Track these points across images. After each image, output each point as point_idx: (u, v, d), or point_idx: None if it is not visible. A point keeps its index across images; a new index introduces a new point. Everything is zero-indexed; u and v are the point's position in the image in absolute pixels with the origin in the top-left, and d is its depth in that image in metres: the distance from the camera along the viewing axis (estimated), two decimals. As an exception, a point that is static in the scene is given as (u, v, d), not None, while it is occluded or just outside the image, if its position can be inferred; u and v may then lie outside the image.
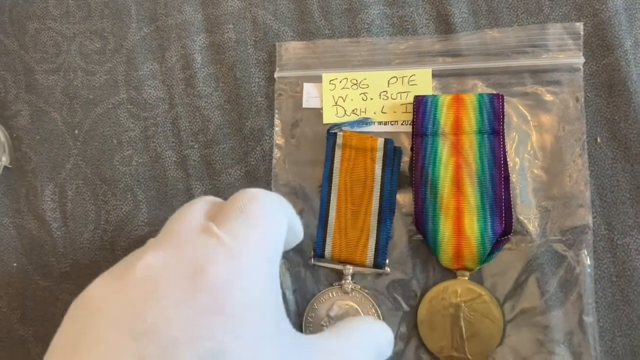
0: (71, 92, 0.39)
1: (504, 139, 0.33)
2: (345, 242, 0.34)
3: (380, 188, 0.34)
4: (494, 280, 0.33)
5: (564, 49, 0.34)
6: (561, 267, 0.32)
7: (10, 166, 0.38)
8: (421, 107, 0.34)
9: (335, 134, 0.35)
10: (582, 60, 0.33)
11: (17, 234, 0.38)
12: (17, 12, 0.40)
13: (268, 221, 0.26)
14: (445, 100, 0.34)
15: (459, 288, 0.32)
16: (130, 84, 0.38)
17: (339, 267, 0.34)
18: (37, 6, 0.40)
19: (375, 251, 0.34)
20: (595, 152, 0.33)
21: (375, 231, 0.34)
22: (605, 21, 0.34)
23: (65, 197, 0.38)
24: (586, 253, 0.32)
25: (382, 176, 0.34)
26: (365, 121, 0.35)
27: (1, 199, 0.38)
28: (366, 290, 0.34)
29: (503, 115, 0.33)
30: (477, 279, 0.33)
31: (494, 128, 0.33)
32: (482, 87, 0.34)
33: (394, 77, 0.35)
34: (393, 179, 0.34)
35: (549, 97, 0.34)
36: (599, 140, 0.33)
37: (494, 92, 0.34)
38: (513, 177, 0.33)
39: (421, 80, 0.35)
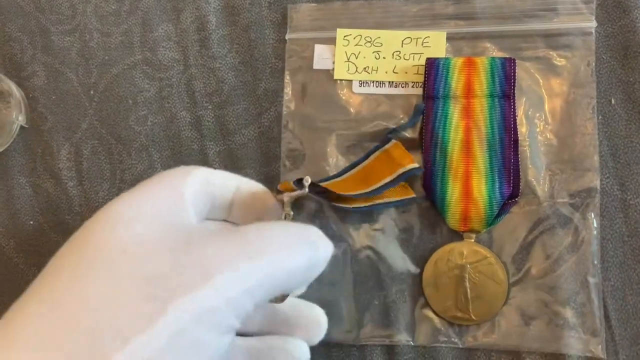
0: (87, 53, 0.39)
1: (514, 103, 0.33)
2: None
3: None
4: (501, 242, 0.33)
5: (576, 13, 0.34)
6: (568, 229, 0.32)
7: (26, 126, 0.39)
8: (433, 69, 0.34)
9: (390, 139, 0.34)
10: (594, 24, 0.33)
11: (33, 192, 0.39)
12: (33, -27, 0.40)
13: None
14: (457, 63, 0.34)
15: (465, 250, 0.33)
16: (145, 45, 0.38)
17: (279, 197, 0.30)
18: (53, -33, 0.40)
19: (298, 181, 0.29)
20: (609, 114, 0.33)
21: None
22: (621, -15, 0.34)
23: (80, 156, 0.38)
24: (593, 216, 0.32)
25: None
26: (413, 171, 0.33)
27: (18, 159, 0.39)
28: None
29: (514, 79, 0.33)
30: (485, 241, 0.33)
31: (504, 92, 0.33)
32: (494, 51, 0.35)
33: (408, 37, 0.36)
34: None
35: (560, 61, 0.34)
36: (613, 102, 0.34)
37: (506, 55, 0.34)
38: (523, 141, 0.33)
39: (435, 43, 0.35)
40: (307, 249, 0.25)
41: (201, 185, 0.26)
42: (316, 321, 0.31)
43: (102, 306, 0.21)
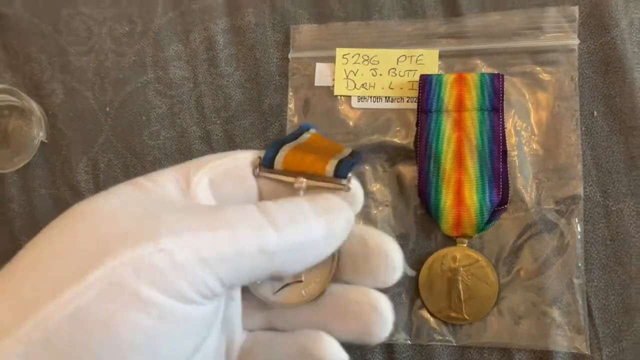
0: (102, 72, 0.42)
1: (503, 116, 0.36)
2: (303, 153, 0.27)
3: None
4: (492, 246, 0.35)
5: (560, 32, 0.36)
6: (554, 234, 0.35)
7: (46, 141, 0.42)
8: (427, 85, 0.37)
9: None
10: (576, 42, 0.36)
11: (53, 203, 0.41)
12: (51, -3, 0.43)
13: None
14: (449, 79, 0.36)
15: (458, 254, 0.35)
16: (157, 65, 0.41)
17: (289, 179, 0.26)
18: (70, -8, 0.42)
19: (340, 161, 0.26)
20: (592, 125, 0.36)
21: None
22: (603, 3, 0.36)
23: (97, 169, 0.41)
24: (577, 221, 0.34)
25: None
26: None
27: (39, 172, 0.41)
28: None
29: (503, 94, 0.36)
30: (477, 245, 0.36)
31: (494, 105, 0.36)
32: (484, 67, 0.37)
33: (403, 55, 0.38)
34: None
35: (545, 77, 0.36)
36: (595, 114, 0.36)
37: (495, 71, 0.36)
38: (512, 151, 0.36)
39: (428, 60, 0.38)
40: (296, 225, 0.23)
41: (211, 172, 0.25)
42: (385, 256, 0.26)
43: (45, 261, 0.21)
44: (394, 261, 0.25)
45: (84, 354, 0.20)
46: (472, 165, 0.35)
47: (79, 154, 0.41)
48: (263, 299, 0.26)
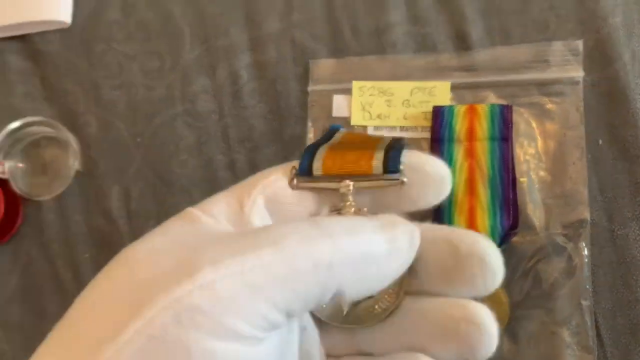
0: (133, 105, 0.44)
1: (512, 145, 0.37)
2: (342, 152, 0.25)
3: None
4: (505, 268, 0.37)
5: (566, 64, 0.38)
6: (562, 257, 0.36)
7: (81, 170, 0.44)
8: (439, 116, 0.39)
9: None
10: (581, 74, 0.38)
11: (87, 229, 0.44)
12: (86, 35, 0.46)
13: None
14: (460, 110, 0.38)
15: (471, 275, 0.37)
16: (185, 98, 0.44)
17: (332, 185, 0.24)
18: (104, 30, 0.45)
19: (386, 154, 0.24)
20: (597, 153, 0.37)
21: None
22: (606, 36, 0.38)
23: (129, 196, 0.43)
24: (584, 245, 0.36)
25: None
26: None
27: (73, 200, 0.44)
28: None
29: (512, 124, 0.37)
30: (489, 268, 0.37)
31: (503, 135, 0.37)
32: (493, 98, 0.39)
33: (416, 87, 0.40)
34: None
35: (552, 107, 0.38)
36: (600, 142, 0.38)
37: (504, 102, 0.38)
38: (521, 179, 0.38)
39: (440, 92, 0.40)
40: (353, 234, 0.21)
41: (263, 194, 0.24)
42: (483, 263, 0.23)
43: (84, 318, 0.20)
44: (492, 265, 0.23)
45: None
46: (483, 192, 0.37)
47: (111, 183, 0.44)
48: (333, 324, 0.24)
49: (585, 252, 0.36)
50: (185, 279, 0.19)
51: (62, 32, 0.46)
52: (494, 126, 0.38)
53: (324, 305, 0.23)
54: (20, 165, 0.45)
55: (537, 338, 0.36)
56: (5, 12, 0.45)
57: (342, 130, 0.28)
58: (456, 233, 0.24)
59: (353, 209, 0.24)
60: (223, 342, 0.19)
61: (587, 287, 0.36)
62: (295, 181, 0.24)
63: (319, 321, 0.25)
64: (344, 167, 0.24)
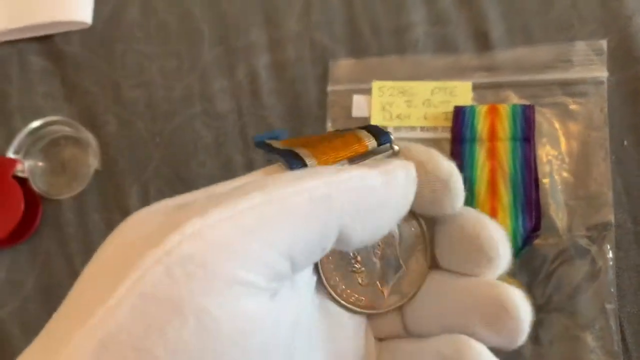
0: (153, 105, 0.44)
1: (535, 145, 0.37)
2: (324, 144, 0.24)
3: None
4: (526, 271, 0.36)
5: (589, 64, 0.37)
6: (586, 260, 0.35)
7: (100, 169, 0.44)
8: (460, 116, 0.38)
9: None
10: (605, 74, 0.37)
11: (105, 227, 0.44)
12: (106, 36, 0.46)
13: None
14: (482, 110, 0.38)
15: (493, 278, 0.36)
16: (204, 98, 0.44)
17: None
18: (124, 31, 0.46)
19: (369, 130, 0.24)
20: (622, 154, 0.37)
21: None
22: (631, 36, 0.37)
23: (148, 195, 0.43)
24: (609, 247, 0.35)
25: None
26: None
27: (93, 198, 0.44)
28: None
29: (534, 124, 0.37)
30: (511, 271, 0.36)
31: (525, 135, 0.37)
32: (515, 98, 0.38)
33: (437, 87, 0.40)
34: None
35: (575, 108, 0.37)
36: (625, 143, 0.37)
37: (526, 102, 0.38)
38: (544, 180, 0.37)
39: (461, 92, 0.39)
40: (346, 170, 0.20)
41: None
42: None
43: (85, 285, 0.19)
44: (488, 250, 0.23)
45: None
46: (505, 193, 0.36)
47: (130, 181, 0.44)
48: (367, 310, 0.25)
49: (610, 254, 0.35)
50: (173, 231, 0.18)
51: (83, 33, 0.46)
52: (515, 126, 0.37)
53: (328, 249, 0.21)
54: (40, 164, 0.45)
55: (560, 342, 0.35)
56: (26, 13, 0.45)
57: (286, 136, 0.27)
58: (465, 215, 0.25)
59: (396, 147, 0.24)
60: (220, 295, 0.17)
61: (612, 290, 0.35)
62: None
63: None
64: (339, 155, 0.23)
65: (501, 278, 0.35)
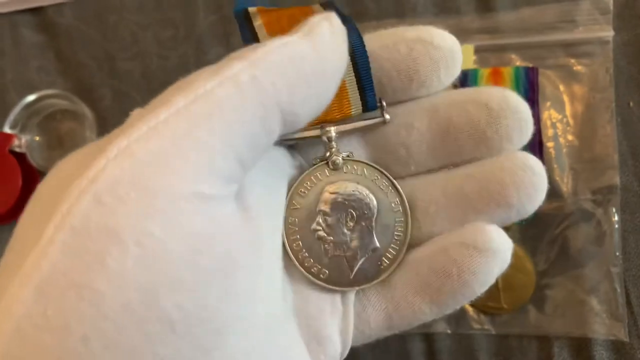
0: (148, 75, 0.44)
1: (538, 108, 0.36)
2: None
3: None
4: (529, 236, 0.36)
5: (594, 24, 0.36)
6: (591, 224, 0.35)
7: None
8: (463, 80, 0.37)
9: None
10: (611, 33, 0.36)
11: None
12: (98, 6, 0.45)
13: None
14: (484, 73, 0.37)
15: (496, 243, 0.36)
16: (199, 67, 0.42)
17: (313, 133, 0.23)
18: (116, 1, 0.45)
19: (360, 91, 0.22)
20: (628, 116, 0.36)
21: (352, 69, 0.22)
22: (637, -6, 0.36)
23: (146, 168, 0.43)
24: (614, 210, 0.35)
25: None
26: None
27: (91, 172, 0.44)
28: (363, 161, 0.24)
29: (537, 87, 0.36)
30: (514, 236, 0.36)
31: (529, 98, 0.36)
32: (518, 61, 0.38)
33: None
34: None
35: (580, 69, 0.36)
36: (631, 104, 0.36)
37: (529, 65, 0.37)
38: (548, 143, 0.36)
39: (464, 55, 0.38)
40: (264, 44, 0.18)
41: None
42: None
43: (19, 233, 0.18)
44: (525, 115, 0.22)
45: (61, 343, 0.15)
46: (508, 158, 0.36)
47: (128, 155, 0.43)
48: (342, 289, 0.23)
49: (615, 217, 0.35)
50: (97, 156, 0.16)
51: (75, 4, 0.45)
52: (519, 89, 0.36)
53: (276, 137, 0.19)
54: (37, 138, 0.44)
55: (565, 306, 0.35)
56: (17, -17, 0.44)
57: (256, 14, 0.24)
58: (483, 91, 0.23)
59: (341, 157, 0.23)
60: (162, 214, 0.16)
61: (617, 253, 0.34)
62: None
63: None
64: (319, 116, 0.21)
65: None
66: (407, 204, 0.23)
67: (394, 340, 0.37)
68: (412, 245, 0.23)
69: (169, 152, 0.16)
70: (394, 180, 0.23)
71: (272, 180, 0.22)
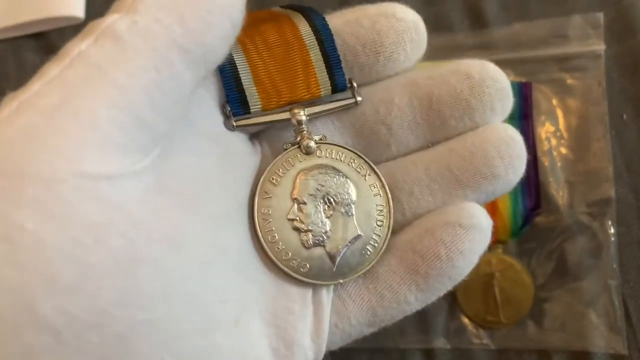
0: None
1: (533, 123, 0.36)
2: (277, 76, 0.21)
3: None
4: (528, 249, 0.36)
5: (586, 38, 0.37)
6: (587, 237, 0.35)
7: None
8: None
9: None
10: (603, 47, 0.36)
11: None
12: None
13: None
14: (478, 89, 0.37)
15: (493, 259, 0.36)
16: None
17: (282, 116, 0.22)
18: None
19: (328, 68, 0.22)
20: (621, 128, 0.36)
21: (318, 48, 0.21)
22: (628, 7, 0.37)
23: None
24: (610, 223, 0.35)
25: None
26: None
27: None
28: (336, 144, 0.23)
29: (532, 101, 0.36)
30: (512, 250, 0.36)
31: (523, 113, 0.36)
32: (512, 76, 0.38)
33: (432, 67, 0.39)
34: None
35: (573, 83, 0.37)
36: (624, 117, 0.36)
37: (523, 79, 0.37)
38: (543, 157, 0.36)
39: (457, 72, 0.39)
40: None
41: None
42: None
43: None
44: (505, 85, 0.23)
45: None
46: (503, 172, 0.36)
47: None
48: (324, 282, 0.21)
49: (612, 230, 0.35)
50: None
51: (76, 28, 0.46)
52: (513, 104, 0.37)
53: (188, 85, 0.17)
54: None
55: (564, 320, 0.35)
56: (17, 10, 0.45)
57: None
58: (461, 63, 0.24)
59: (313, 141, 0.22)
60: (40, 205, 0.13)
61: (614, 266, 0.34)
62: (232, 121, 0.20)
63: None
64: (284, 96, 0.20)
65: (501, 258, 0.35)
66: (387, 187, 0.22)
67: (394, 356, 0.37)
68: (395, 231, 0.22)
69: (42, 128, 0.14)
70: (371, 163, 0.22)
71: (226, 166, 0.20)
